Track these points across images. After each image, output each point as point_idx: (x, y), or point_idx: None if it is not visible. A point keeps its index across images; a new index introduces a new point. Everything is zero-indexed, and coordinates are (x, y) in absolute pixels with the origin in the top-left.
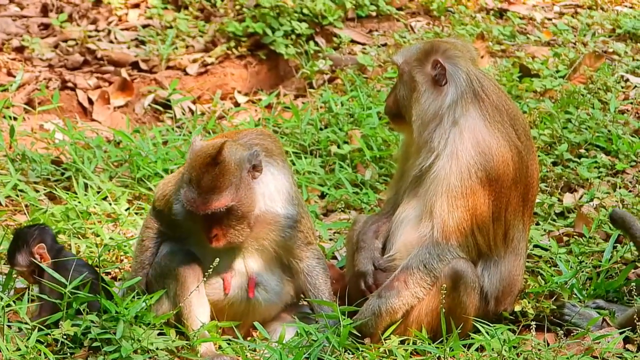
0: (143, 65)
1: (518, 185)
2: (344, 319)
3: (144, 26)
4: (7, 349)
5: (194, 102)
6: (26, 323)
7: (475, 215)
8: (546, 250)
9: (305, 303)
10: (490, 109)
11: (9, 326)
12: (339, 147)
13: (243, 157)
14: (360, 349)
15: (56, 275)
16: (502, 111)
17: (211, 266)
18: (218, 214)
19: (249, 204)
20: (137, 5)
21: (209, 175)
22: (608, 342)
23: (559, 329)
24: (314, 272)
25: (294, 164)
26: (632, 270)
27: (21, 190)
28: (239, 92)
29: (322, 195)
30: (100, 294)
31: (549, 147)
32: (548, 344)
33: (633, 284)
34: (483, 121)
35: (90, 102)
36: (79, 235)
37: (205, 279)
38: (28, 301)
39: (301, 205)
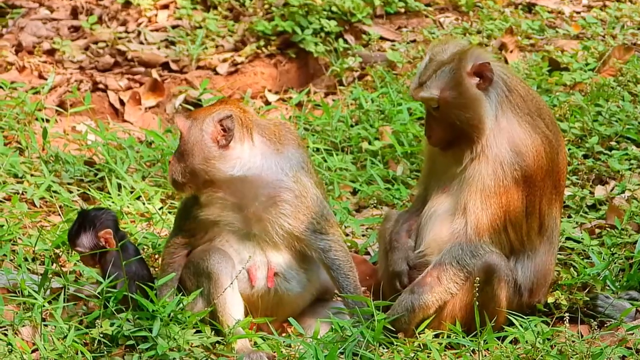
0: (173, 66)
1: (551, 174)
2: (378, 313)
3: (174, 27)
4: (44, 348)
5: None
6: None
7: (509, 211)
8: (578, 242)
9: (338, 299)
10: (519, 101)
11: (45, 326)
12: (370, 143)
13: (218, 112)
14: (395, 344)
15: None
16: (528, 101)
17: (244, 263)
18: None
19: (191, 148)
20: (166, 6)
21: None
22: None
23: (592, 320)
24: (334, 266)
25: (325, 161)
26: None
27: (55, 192)
28: (270, 90)
29: (354, 192)
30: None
31: (579, 140)
32: (582, 336)
33: None
34: (515, 117)
35: (122, 103)
36: None
37: (237, 275)
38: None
39: (302, 185)
